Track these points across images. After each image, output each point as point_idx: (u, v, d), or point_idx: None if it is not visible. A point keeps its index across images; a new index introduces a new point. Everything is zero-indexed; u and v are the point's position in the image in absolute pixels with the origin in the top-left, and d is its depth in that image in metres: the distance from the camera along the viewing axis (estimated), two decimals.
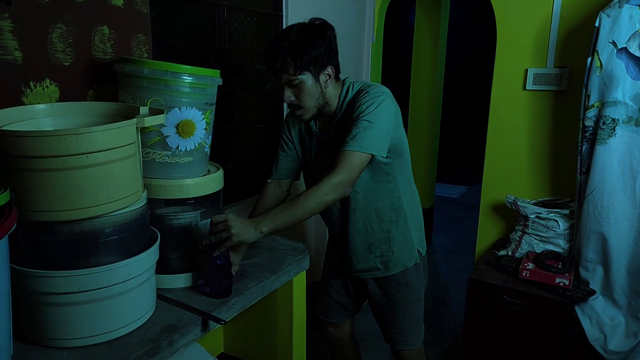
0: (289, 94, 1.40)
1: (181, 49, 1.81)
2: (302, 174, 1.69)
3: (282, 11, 2.21)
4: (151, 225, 1.23)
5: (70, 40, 1.30)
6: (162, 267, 1.26)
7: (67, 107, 1.20)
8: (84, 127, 1.17)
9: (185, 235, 1.36)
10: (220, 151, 2.03)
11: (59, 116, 1.18)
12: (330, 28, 1.41)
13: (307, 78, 1.37)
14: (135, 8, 1.47)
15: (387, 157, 1.43)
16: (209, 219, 1.29)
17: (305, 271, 1.68)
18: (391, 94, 1.42)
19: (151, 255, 1.14)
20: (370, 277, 1.65)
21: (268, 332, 1.69)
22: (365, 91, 1.40)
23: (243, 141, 2.18)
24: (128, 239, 1.10)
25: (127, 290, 1.07)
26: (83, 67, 1.34)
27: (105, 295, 1.03)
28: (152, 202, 1.25)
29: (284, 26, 2.23)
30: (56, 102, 1.28)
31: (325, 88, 1.42)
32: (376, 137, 1.34)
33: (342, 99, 1.45)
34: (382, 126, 1.35)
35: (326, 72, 1.40)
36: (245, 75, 2.09)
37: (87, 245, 1.04)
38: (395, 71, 5.05)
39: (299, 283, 1.67)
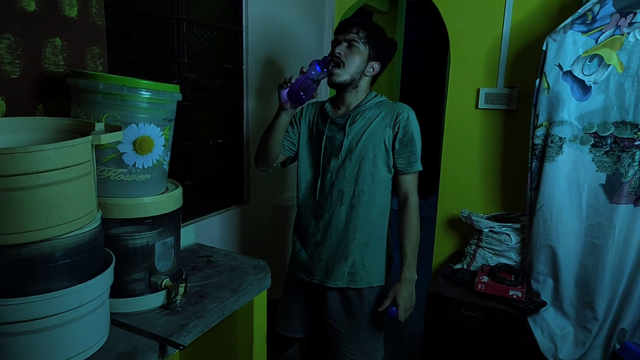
0: (341, 49, 1.54)
1: (138, 63, 1.76)
2: (298, 165, 1.73)
3: (242, 26, 2.20)
4: (105, 247, 1.17)
5: (19, 52, 1.24)
6: (117, 290, 1.21)
7: (15, 123, 1.13)
8: (34, 144, 1.11)
9: (142, 256, 1.30)
10: (179, 167, 1.98)
11: (5, 132, 1.11)
12: (396, 47, 1.69)
13: (364, 50, 1.55)
14: (90, 20, 1.41)
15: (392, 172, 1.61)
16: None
17: (266, 290, 1.65)
18: None
19: (105, 279, 1.08)
20: (333, 287, 1.65)
21: (228, 354, 1.65)
22: (406, 109, 1.58)
23: (202, 156, 2.13)
24: (80, 263, 1.04)
25: (79, 317, 1.01)
26: (33, 80, 1.27)
27: (55, 324, 0.96)
28: (106, 222, 1.20)
29: (245, 41, 2.21)
30: (2, 117, 1.21)
31: (365, 74, 1.58)
32: (419, 155, 1.59)
33: (366, 99, 1.61)
34: (419, 144, 1.58)
35: (375, 64, 1.59)
36: (205, 90, 2.06)
37: (36, 270, 0.97)
38: None
39: (260, 302, 1.64)
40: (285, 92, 1.50)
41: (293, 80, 1.49)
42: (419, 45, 6.51)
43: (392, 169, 1.60)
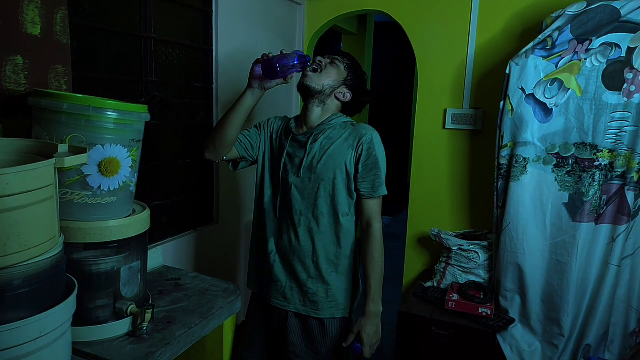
0: (323, 59, 1.58)
1: (105, 82, 1.72)
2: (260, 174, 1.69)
3: (212, 45, 2.19)
4: (68, 272, 1.12)
5: None
6: (80, 317, 1.15)
7: None
8: None
9: (106, 282, 1.25)
10: (147, 187, 1.93)
11: None
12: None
13: (343, 72, 1.59)
14: (54, 38, 1.37)
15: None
16: None
17: (236, 314, 1.62)
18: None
19: (67, 307, 1.03)
20: (293, 311, 1.60)
21: None
22: (370, 132, 1.56)
23: (171, 176, 2.09)
24: (41, 291, 0.99)
25: (39, 349, 0.95)
26: None
27: (13, 357, 0.91)
28: (69, 247, 1.15)
29: (214, 60, 2.20)
30: None
31: (335, 95, 1.59)
32: (383, 179, 1.56)
33: (331, 118, 1.59)
34: (384, 167, 1.56)
35: (347, 91, 1.59)
36: (173, 109, 2.03)
37: None
38: None
39: (230, 327, 1.60)
40: (259, 66, 1.47)
41: (271, 56, 1.47)
42: (387, 65, 6.66)
43: (354, 193, 1.55)
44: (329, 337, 1.58)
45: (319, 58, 1.58)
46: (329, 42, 5.96)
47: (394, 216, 6.34)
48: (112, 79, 1.75)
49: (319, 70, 1.56)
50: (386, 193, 1.55)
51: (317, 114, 1.58)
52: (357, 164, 1.52)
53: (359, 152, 1.51)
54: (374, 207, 1.55)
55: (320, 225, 1.54)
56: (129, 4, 1.77)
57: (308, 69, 1.55)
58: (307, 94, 1.57)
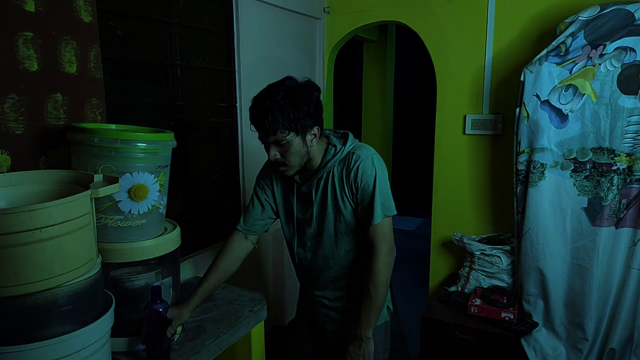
0: (274, 152, 1.41)
1: (136, 109, 1.86)
2: (282, 224, 1.66)
3: (234, 66, 2.30)
4: (106, 289, 1.24)
5: (23, 109, 1.33)
6: (118, 330, 1.27)
7: (20, 177, 1.21)
8: (37, 195, 1.20)
9: (141, 297, 1.37)
10: (177, 204, 2.06)
11: (11, 186, 1.19)
12: (317, 89, 1.45)
13: (294, 138, 1.38)
14: (88, 74, 1.51)
15: None
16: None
17: (263, 321, 1.71)
18: (374, 150, 1.50)
19: (106, 321, 1.15)
20: (330, 329, 1.65)
21: None
22: (359, 160, 1.44)
23: (199, 192, 2.22)
24: (82, 307, 1.11)
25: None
26: (35, 135, 1.37)
27: None
28: (106, 266, 1.27)
29: (237, 81, 2.32)
30: (7, 170, 1.30)
31: (310, 147, 1.44)
32: (386, 198, 1.45)
33: (327, 157, 1.48)
34: (385, 186, 1.46)
35: (312, 132, 1.42)
36: (200, 129, 2.15)
37: (41, 318, 1.04)
38: (348, 105, 5.30)
39: (257, 334, 1.70)
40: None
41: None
42: (409, 67, 6.70)
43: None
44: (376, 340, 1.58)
45: (272, 154, 1.41)
46: (350, 51, 6.05)
47: (426, 218, 6.33)
48: (142, 107, 1.88)
49: (282, 163, 1.43)
50: (393, 213, 1.46)
51: (311, 167, 1.51)
52: (356, 193, 1.47)
53: (353, 188, 1.46)
54: (378, 228, 1.44)
55: (349, 260, 1.56)
56: (155, 35, 1.91)
57: (280, 168, 1.45)
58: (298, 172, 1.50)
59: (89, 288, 1.12)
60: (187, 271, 1.95)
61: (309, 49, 2.88)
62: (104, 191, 1.13)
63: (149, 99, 1.91)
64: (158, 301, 1.29)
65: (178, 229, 1.50)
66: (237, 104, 2.34)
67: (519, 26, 2.40)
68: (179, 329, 1.39)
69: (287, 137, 1.37)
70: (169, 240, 1.42)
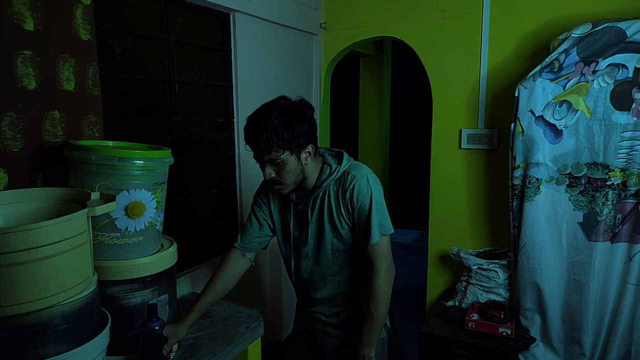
0: (270, 171, 1.41)
1: (133, 125, 1.87)
2: (279, 242, 1.66)
3: (232, 81, 2.32)
4: (102, 306, 1.24)
5: (21, 127, 1.34)
6: (113, 348, 1.26)
7: (17, 195, 1.21)
8: (34, 213, 1.20)
9: (137, 314, 1.37)
10: (174, 219, 2.06)
11: (9, 204, 1.19)
12: (311, 108, 1.45)
13: (289, 157, 1.38)
14: (86, 91, 1.52)
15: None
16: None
17: (260, 338, 1.70)
18: (370, 169, 1.51)
19: (102, 340, 1.14)
20: (327, 346, 1.65)
21: None
22: (354, 180, 1.45)
23: (196, 207, 2.22)
24: (78, 326, 1.10)
25: None
26: (33, 152, 1.37)
27: None
28: (102, 283, 1.26)
29: (235, 96, 2.33)
30: (4, 188, 1.30)
31: (305, 165, 1.44)
32: (383, 218, 1.45)
33: (323, 177, 1.48)
34: (381, 205, 1.46)
35: (307, 150, 1.43)
36: (197, 144, 2.16)
37: (36, 337, 1.04)
38: (345, 117, 5.34)
39: (254, 351, 1.69)
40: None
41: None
42: (405, 79, 6.79)
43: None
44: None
45: (267, 173, 1.41)
46: (347, 66, 6.11)
47: (423, 230, 6.33)
48: (139, 122, 1.89)
49: (277, 181, 1.43)
50: (390, 232, 1.46)
51: (306, 186, 1.51)
52: (352, 213, 1.47)
53: (349, 208, 1.47)
54: (377, 247, 1.45)
55: (346, 277, 1.57)
56: (153, 52, 1.92)
57: (275, 187, 1.46)
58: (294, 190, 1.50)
59: (85, 307, 1.12)
60: (184, 287, 1.95)
61: (306, 64, 2.91)
62: (101, 209, 1.13)
63: (147, 114, 1.92)
64: (154, 319, 1.28)
65: (175, 246, 1.50)
66: (235, 119, 2.35)
67: (513, 42, 2.43)
68: (175, 346, 1.38)
69: (281, 156, 1.38)
70: (166, 257, 1.41)
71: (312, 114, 1.46)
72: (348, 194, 1.45)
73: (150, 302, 1.32)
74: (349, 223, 1.49)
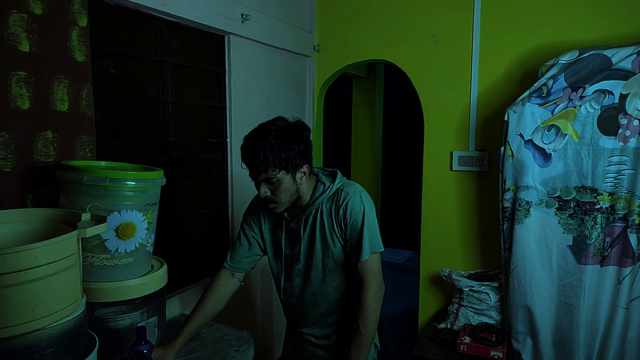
0: (265, 190, 1.43)
1: (126, 145, 1.87)
2: (269, 261, 1.67)
3: (225, 102, 2.34)
4: (90, 329, 1.22)
5: (13, 147, 1.34)
6: None
7: (7, 215, 1.21)
8: (24, 234, 1.19)
9: (125, 337, 1.35)
10: (165, 239, 2.05)
11: None
12: (307, 129, 1.49)
13: (284, 176, 1.41)
14: (80, 112, 1.53)
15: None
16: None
17: None
18: (362, 188, 1.54)
19: None
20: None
21: None
22: (347, 197, 1.47)
23: (188, 228, 2.21)
24: (64, 350, 1.09)
25: None
26: (24, 172, 1.37)
27: None
28: (90, 305, 1.25)
29: (228, 116, 2.35)
30: None
31: (300, 184, 1.47)
32: (374, 235, 1.47)
33: (316, 195, 1.50)
34: (373, 223, 1.48)
35: (302, 170, 1.45)
36: (190, 164, 2.17)
37: None
38: (337, 138, 5.38)
39: None
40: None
41: None
42: (397, 100, 6.86)
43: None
44: None
45: (262, 191, 1.43)
46: (340, 87, 6.18)
47: (416, 251, 6.31)
48: (133, 142, 1.89)
49: (272, 200, 1.45)
50: (381, 250, 1.49)
51: (299, 204, 1.53)
52: (345, 230, 1.49)
53: (342, 224, 1.48)
54: (367, 264, 1.46)
55: (337, 295, 1.58)
56: (147, 73, 1.94)
57: (269, 205, 1.46)
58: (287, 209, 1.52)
59: (73, 330, 1.11)
60: (173, 308, 1.92)
61: (299, 86, 2.94)
62: (92, 231, 1.12)
63: (140, 135, 1.93)
64: (142, 342, 1.27)
65: (165, 267, 1.49)
66: (228, 140, 2.36)
67: (503, 67, 2.48)
68: None
69: (277, 175, 1.40)
70: (155, 279, 1.41)
71: (309, 135, 1.49)
72: (342, 210, 1.47)
73: (139, 325, 1.30)
74: (341, 240, 1.50)
